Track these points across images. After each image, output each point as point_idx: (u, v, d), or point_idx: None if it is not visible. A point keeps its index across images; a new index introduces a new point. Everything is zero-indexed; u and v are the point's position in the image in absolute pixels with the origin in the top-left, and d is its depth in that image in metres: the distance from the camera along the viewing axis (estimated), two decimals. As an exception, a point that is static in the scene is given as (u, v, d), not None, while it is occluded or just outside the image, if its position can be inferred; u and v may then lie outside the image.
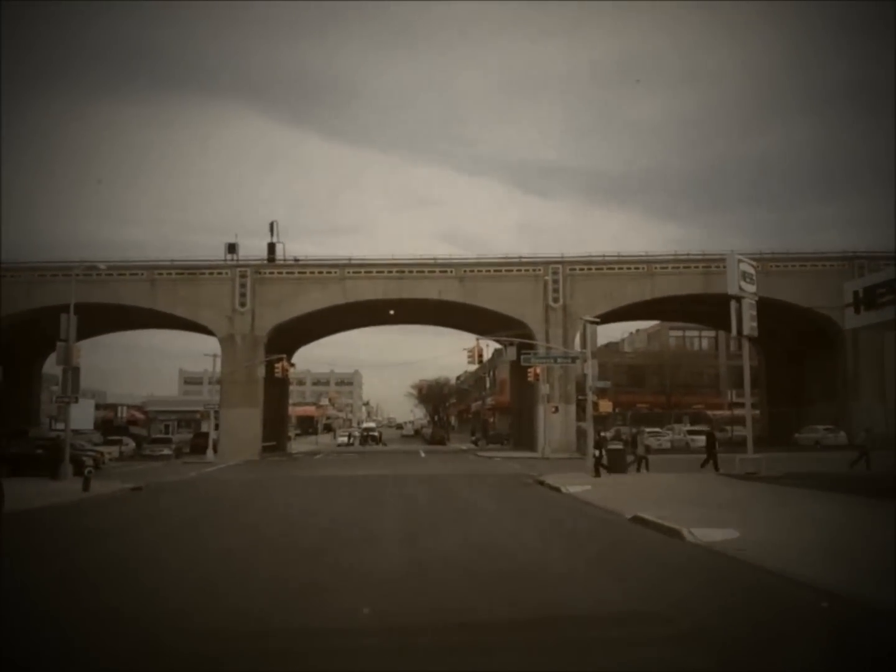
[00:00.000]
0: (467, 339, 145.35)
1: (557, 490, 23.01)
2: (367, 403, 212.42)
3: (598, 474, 27.49)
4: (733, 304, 26.69)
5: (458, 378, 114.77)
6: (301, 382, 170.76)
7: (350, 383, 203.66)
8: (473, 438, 73.51)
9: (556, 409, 46.40)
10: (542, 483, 25.80)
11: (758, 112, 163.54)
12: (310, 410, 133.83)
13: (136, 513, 19.05)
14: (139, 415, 77.24)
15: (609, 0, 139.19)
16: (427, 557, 11.31)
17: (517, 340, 38.13)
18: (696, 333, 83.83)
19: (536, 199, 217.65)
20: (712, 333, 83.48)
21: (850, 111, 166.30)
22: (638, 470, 28.42)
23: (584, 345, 30.69)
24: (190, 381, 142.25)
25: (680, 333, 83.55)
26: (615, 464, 28.64)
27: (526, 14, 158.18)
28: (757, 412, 68.21)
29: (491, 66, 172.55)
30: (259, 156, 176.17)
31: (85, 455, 34.58)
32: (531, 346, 39.68)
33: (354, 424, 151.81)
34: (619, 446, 30.04)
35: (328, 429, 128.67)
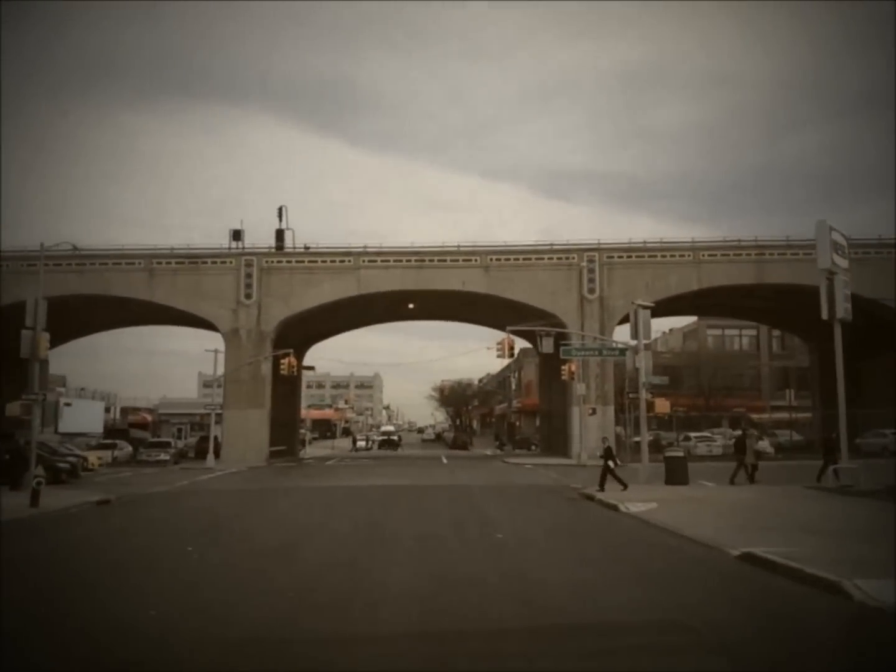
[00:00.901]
0: (491, 339, 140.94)
1: (614, 508, 18.48)
2: (387, 407, 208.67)
3: (602, 488, 22.80)
4: (824, 283, 22.10)
5: (480, 381, 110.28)
6: (321, 385, 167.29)
7: (370, 386, 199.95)
8: (498, 443, 68.96)
9: (594, 411, 41.78)
10: (590, 498, 21.27)
11: (783, 116, 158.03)
12: (328, 413, 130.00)
13: (73, 538, 14.76)
14: (147, 417, 73.43)
15: (632, 3, 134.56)
16: (462, 650, 6.75)
17: (554, 330, 33.56)
18: (735, 332, 78.69)
19: (560, 204, 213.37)
20: (753, 332, 78.36)
21: (873, 116, 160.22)
22: (752, 481, 23.69)
23: (635, 334, 26.13)
24: (208, 383, 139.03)
25: (719, 332, 78.41)
26: (675, 474, 24.05)
27: (548, 20, 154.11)
28: (808, 415, 63.25)
29: (513, 72, 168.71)
30: (280, 163, 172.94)
31: (63, 461, 30.57)
32: (563, 336, 35.07)
33: (374, 428, 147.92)
34: (680, 453, 25.41)
35: (347, 432, 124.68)
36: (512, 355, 29.53)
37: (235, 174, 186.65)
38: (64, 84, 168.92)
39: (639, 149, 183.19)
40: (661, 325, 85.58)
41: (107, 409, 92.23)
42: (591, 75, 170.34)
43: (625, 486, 22.69)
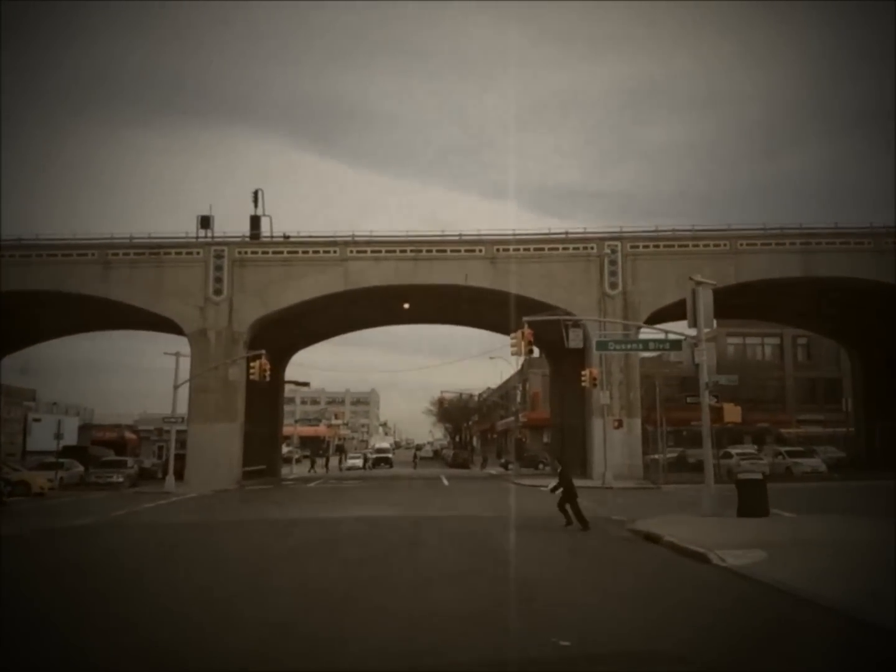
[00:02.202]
0: (495, 346, 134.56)
1: (702, 559, 12.48)
2: (384, 424, 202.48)
3: (568, 521, 17.85)
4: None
5: (479, 395, 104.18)
6: (315, 402, 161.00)
7: (366, 403, 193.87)
8: (503, 461, 62.82)
9: (620, 424, 35.80)
10: (653, 539, 15.24)
11: (781, 133, 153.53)
12: (320, 430, 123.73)
13: None
14: (125, 434, 67.09)
15: (629, 23, 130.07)
16: None
17: (585, 318, 27.60)
18: (757, 340, 72.84)
19: (557, 223, 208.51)
20: (777, 340, 72.58)
21: (874, 131, 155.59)
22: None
23: (693, 322, 20.29)
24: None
25: (739, 341, 72.56)
26: (752, 502, 18.06)
27: (546, 39, 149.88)
28: (844, 430, 57.29)
29: (511, 90, 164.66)
30: (279, 182, 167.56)
31: None
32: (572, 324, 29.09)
33: (364, 444, 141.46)
34: (758, 475, 19.39)
35: (340, 450, 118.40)
36: (530, 351, 23.66)
37: (223, 190, 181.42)
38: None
39: (636, 167, 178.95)
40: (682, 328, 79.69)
41: (83, 426, 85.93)
42: (588, 94, 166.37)
43: (585, 526, 17.37)
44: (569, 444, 48.45)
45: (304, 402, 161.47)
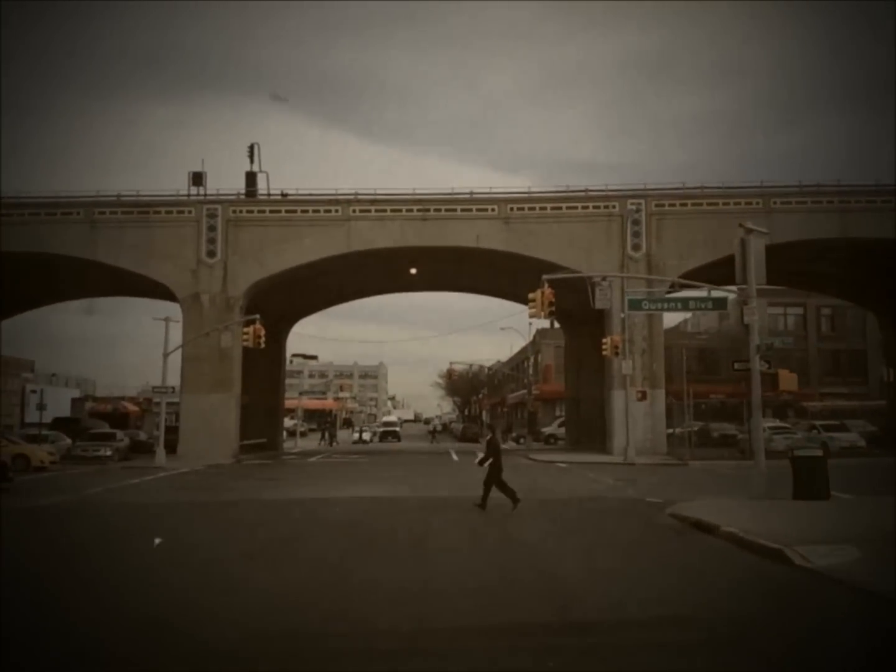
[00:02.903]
0: (508, 316, 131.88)
1: (778, 557, 9.93)
2: (392, 398, 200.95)
3: (483, 503, 15.36)
4: None
5: (489, 369, 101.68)
6: (323, 375, 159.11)
7: (375, 376, 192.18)
8: (515, 435, 60.41)
9: (643, 396, 33.24)
10: (706, 529, 12.70)
11: (795, 104, 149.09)
12: (328, 403, 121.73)
13: None
14: (106, 407, 64.75)
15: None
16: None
17: (613, 275, 24.92)
18: (780, 310, 69.70)
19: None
20: (800, 310, 69.66)
21: (887, 101, 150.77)
22: None
23: (743, 277, 17.66)
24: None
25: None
26: (811, 483, 15.51)
27: (557, 9, 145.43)
28: (874, 403, 54.61)
29: (523, 63, 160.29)
30: (280, 150, 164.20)
31: None
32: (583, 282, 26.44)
33: (372, 418, 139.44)
34: (817, 451, 16.78)
35: (348, 424, 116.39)
36: (551, 312, 21.04)
37: (218, 154, 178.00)
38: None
39: (651, 140, 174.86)
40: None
41: (85, 398, 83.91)
42: (600, 65, 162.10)
43: (515, 503, 15.24)
44: (585, 417, 46.01)
45: (311, 376, 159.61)
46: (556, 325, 69.66)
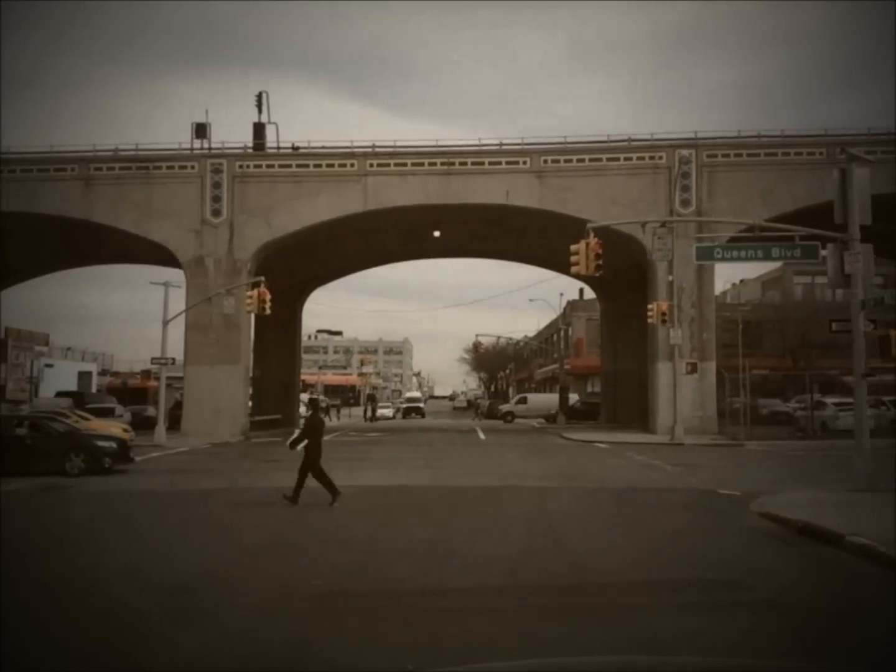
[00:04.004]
0: (536, 287, 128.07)
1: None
2: (417, 374, 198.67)
3: (294, 498, 12.62)
4: None
5: (516, 343, 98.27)
6: (348, 351, 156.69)
7: (399, 352, 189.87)
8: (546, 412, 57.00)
9: (693, 369, 29.72)
10: (821, 537, 9.38)
11: (834, 77, 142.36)
12: (352, 379, 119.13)
13: None
14: (116, 382, 62.34)
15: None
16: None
17: (678, 220, 21.39)
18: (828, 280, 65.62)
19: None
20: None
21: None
22: None
23: (842, 215, 14.25)
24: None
25: (807, 280, 65.32)
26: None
27: None
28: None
29: (556, 35, 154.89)
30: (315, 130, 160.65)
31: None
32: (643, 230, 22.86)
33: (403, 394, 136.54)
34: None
35: (371, 399, 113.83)
36: (598, 267, 17.59)
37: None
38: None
39: (683, 111, 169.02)
40: (732, 273, 73.35)
41: (102, 373, 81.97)
42: (632, 37, 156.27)
43: (335, 496, 12.59)
44: (622, 392, 42.60)
45: (336, 352, 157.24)
46: (588, 295, 66.15)
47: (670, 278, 29.17)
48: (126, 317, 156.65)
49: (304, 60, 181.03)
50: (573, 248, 18.46)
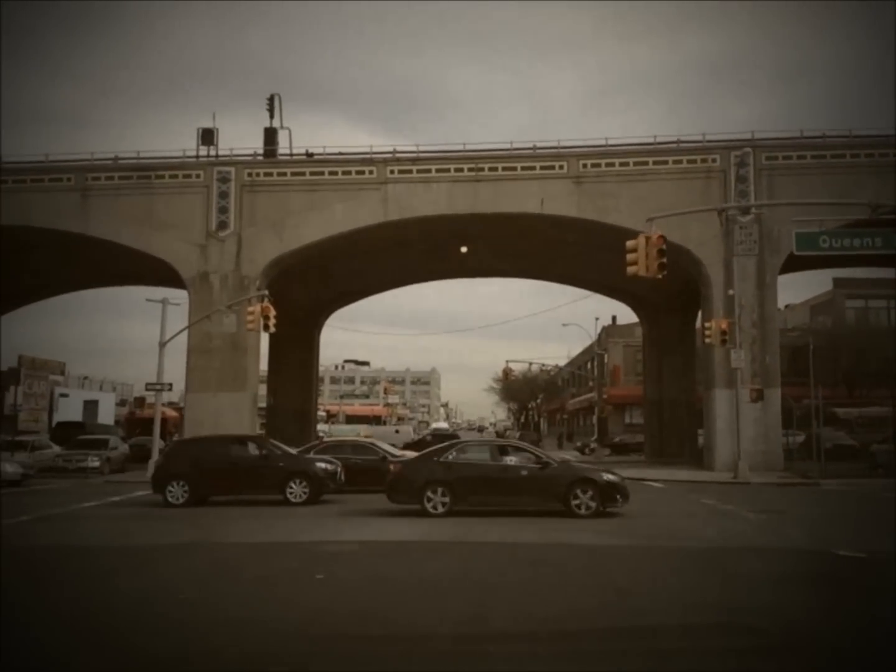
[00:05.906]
0: (573, 310, 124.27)
1: None
2: (445, 404, 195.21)
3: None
4: None
5: (549, 370, 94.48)
6: (375, 382, 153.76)
7: (427, 382, 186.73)
8: (580, 444, 53.43)
9: (759, 395, 26.03)
10: None
11: (859, 104, 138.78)
12: (377, 410, 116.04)
13: None
14: (168, 412, 59.70)
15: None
16: None
17: (763, 203, 17.92)
18: (882, 304, 61.26)
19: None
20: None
21: None
22: None
23: None
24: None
25: (860, 304, 61.12)
26: None
27: (615, 16, 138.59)
28: None
29: (586, 67, 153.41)
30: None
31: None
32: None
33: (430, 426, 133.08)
34: None
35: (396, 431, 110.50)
36: (662, 266, 14.29)
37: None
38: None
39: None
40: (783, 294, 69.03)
41: (121, 403, 79.86)
42: (658, 71, 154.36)
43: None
44: (669, 422, 38.86)
45: (363, 382, 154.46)
46: (622, 320, 62.53)
47: (731, 292, 25.59)
48: (148, 346, 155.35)
49: (329, 90, 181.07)
50: (630, 244, 15.16)
